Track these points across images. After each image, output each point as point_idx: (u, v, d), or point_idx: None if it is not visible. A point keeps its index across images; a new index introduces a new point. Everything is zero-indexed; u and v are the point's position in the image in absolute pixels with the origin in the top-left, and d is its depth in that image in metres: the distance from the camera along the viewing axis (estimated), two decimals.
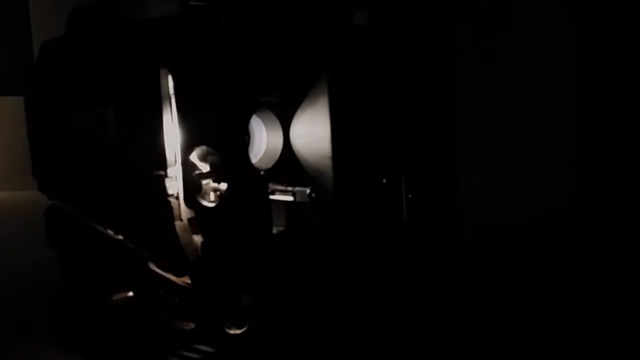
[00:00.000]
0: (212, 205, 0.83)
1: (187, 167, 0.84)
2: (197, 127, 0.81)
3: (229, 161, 0.79)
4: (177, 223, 0.89)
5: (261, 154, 0.86)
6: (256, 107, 0.83)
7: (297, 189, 0.83)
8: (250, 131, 0.87)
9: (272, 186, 0.87)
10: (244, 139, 0.79)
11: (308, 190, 0.82)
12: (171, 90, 0.84)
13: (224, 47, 0.80)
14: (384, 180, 0.86)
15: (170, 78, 0.83)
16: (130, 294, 1.00)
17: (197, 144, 0.82)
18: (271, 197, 0.86)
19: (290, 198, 0.85)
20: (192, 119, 0.81)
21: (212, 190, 0.86)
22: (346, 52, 0.81)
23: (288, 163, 0.86)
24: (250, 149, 0.87)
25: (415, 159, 0.91)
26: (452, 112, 0.99)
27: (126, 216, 0.94)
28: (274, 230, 0.87)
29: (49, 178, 1.07)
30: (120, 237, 0.96)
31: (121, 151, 0.91)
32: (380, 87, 0.86)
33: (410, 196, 0.88)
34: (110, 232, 0.99)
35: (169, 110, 0.85)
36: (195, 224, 0.88)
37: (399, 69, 0.87)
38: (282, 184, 0.86)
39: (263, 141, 0.86)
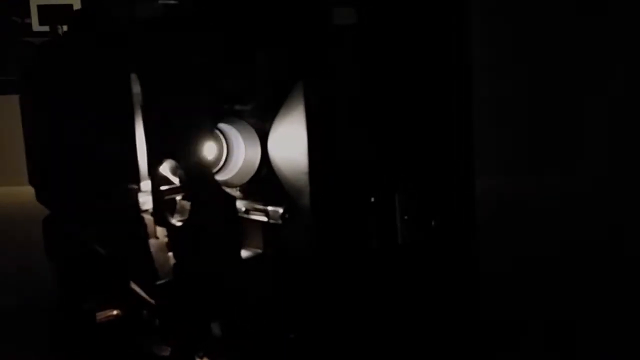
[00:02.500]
0: (179, 224, 0.75)
1: (157, 180, 0.77)
2: (161, 137, 0.74)
3: (189, 175, 0.71)
4: (152, 241, 0.83)
5: (237, 168, 0.78)
6: (222, 116, 0.75)
7: (270, 208, 0.74)
8: (229, 143, 0.79)
9: (248, 204, 0.78)
10: (202, 151, 0.71)
11: (281, 210, 0.73)
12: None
13: (193, 50, 0.72)
14: (372, 199, 0.75)
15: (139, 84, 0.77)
16: (115, 312, 0.95)
17: (163, 156, 0.75)
18: (246, 216, 0.78)
19: (265, 218, 0.76)
20: (157, 128, 0.74)
21: None
22: (326, 55, 0.72)
23: (268, 179, 0.78)
24: (226, 163, 0.79)
25: (414, 172, 0.80)
26: (469, 117, 0.88)
27: (106, 232, 0.88)
28: (251, 253, 0.79)
29: (45, 187, 1.03)
30: (104, 252, 0.91)
31: (98, 162, 0.85)
32: (370, 91, 0.75)
33: (406, 217, 0.78)
34: (97, 247, 0.94)
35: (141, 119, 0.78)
36: None
37: (393, 69, 0.77)
38: (260, 201, 0.77)
39: (240, 154, 0.78)
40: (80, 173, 0.89)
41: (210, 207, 0.72)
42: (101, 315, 0.94)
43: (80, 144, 0.87)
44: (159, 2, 0.75)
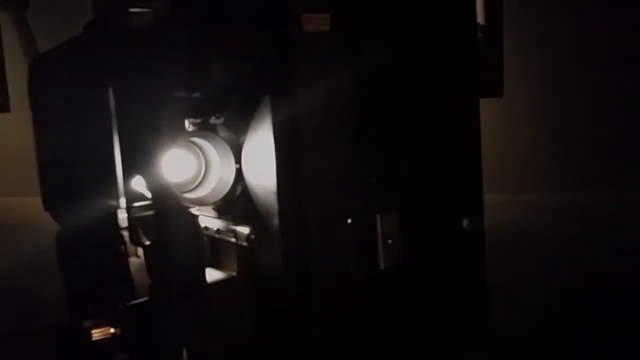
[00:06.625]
0: (147, 242, 0.72)
1: (129, 196, 0.74)
2: (127, 152, 0.71)
3: (153, 193, 0.68)
4: (132, 260, 0.80)
5: (213, 186, 0.74)
6: (188, 131, 0.72)
7: (237, 228, 0.70)
8: (207, 160, 0.76)
9: (221, 224, 0.74)
10: (160, 167, 0.68)
11: (247, 231, 0.69)
12: None
13: (159, 63, 0.69)
14: (349, 221, 0.69)
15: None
16: (112, 330, 0.93)
17: (132, 172, 0.72)
18: (218, 236, 0.74)
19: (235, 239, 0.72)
20: (125, 143, 0.71)
21: None
22: (295, 66, 0.67)
23: (243, 197, 0.73)
24: (203, 180, 0.76)
25: (397, 191, 0.73)
26: (474, 132, 0.80)
27: (94, 250, 0.87)
28: (224, 275, 0.74)
29: (55, 201, 1.03)
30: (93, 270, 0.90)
31: (86, 178, 0.84)
32: (346, 104, 0.70)
33: (389, 241, 0.71)
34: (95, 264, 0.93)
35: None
36: None
37: (371, 80, 0.71)
38: (232, 221, 0.73)
39: (216, 171, 0.74)
40: (73, 188, 0.89)
41: (171, 225, 0.68)
42: (97, 332, 0.92)
43: (70, 158, 0.87)
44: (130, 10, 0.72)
